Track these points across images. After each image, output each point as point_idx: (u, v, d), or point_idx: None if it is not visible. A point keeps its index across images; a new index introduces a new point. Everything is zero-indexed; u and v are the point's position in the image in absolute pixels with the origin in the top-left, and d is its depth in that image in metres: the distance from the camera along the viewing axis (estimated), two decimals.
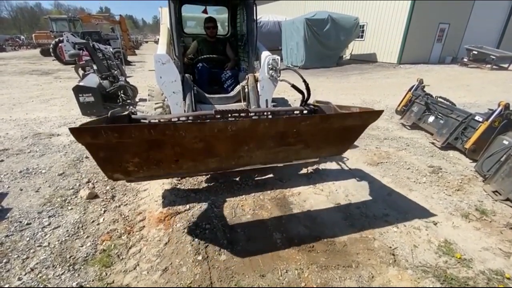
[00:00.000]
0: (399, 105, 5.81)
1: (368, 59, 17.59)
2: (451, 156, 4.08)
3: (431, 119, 4.92)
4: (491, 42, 19.07)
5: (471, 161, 3.87)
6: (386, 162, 3.85)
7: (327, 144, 2.16)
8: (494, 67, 14.49)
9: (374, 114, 1.99)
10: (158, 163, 1.74)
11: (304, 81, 2.61)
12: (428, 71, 14.03)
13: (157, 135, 1.53)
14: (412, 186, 3.24)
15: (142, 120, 2.18)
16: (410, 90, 5.65)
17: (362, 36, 17.88)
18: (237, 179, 3.28)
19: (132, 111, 2.56)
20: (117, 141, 1.50)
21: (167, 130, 1.53)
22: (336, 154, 2.50)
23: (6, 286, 1.86)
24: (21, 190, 3.00)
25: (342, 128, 2.03)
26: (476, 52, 15.04)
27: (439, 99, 5.03)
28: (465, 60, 15.65)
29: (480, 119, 3.88)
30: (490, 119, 3.72)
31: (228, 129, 1.63)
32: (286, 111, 2.60)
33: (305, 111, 2.61)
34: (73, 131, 1.40)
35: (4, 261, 2.05)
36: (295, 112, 2.61)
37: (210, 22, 3.78)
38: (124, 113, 2.16)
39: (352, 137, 2.24)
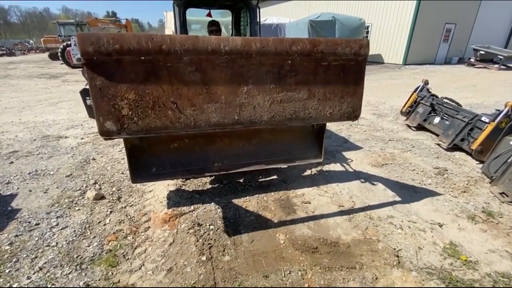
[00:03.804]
0: (404, 106, 5.77)
1: (373, 60, 17.50)
2: (457, 158, 4.03)
3: (436, 120, 4.88)
4: (499, 42, 18.84)
5: (478, 162, 3.82)
6: (391, 163, 3.83)
7: (333, 94, 2.12)
8: (501, 67, 14.30)
9: (363, 43, 2.02)
10: (154, 105, 1.74)
11: None
12: (434, 71, 13.90)
13: (154, 50, 1.61)
14: (417, 188, 3.22)
15: None
16: (415, 91, 5.61)
17: (367, 37, 17.82)
18: (241, 180, 3.30)
19: None
20: (116, 58, 1.56)
21: (164, 43, 1.61)
22: (348, 115, 2.23)
23: (15, 285, 1.91)
24: (30, 191, 3.07)
25: (339, 66, 2.02)
26: (483, 52, 14.86)
27: (444, 100, 4.99)
28: (472, 60, 15.48)
29: (487, 120, 3.84)
30: (497, 120, 3.67)
31: (221, 48, 1.72)
32: None
33: None
34: (79, 36, 1.50)
35: (14, 260, 2.10)
36: None
37: (214, 26, 3.82)
38: None
39: (354, 83, 2.15)
